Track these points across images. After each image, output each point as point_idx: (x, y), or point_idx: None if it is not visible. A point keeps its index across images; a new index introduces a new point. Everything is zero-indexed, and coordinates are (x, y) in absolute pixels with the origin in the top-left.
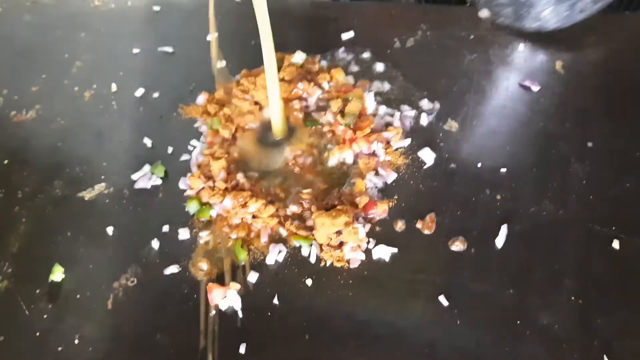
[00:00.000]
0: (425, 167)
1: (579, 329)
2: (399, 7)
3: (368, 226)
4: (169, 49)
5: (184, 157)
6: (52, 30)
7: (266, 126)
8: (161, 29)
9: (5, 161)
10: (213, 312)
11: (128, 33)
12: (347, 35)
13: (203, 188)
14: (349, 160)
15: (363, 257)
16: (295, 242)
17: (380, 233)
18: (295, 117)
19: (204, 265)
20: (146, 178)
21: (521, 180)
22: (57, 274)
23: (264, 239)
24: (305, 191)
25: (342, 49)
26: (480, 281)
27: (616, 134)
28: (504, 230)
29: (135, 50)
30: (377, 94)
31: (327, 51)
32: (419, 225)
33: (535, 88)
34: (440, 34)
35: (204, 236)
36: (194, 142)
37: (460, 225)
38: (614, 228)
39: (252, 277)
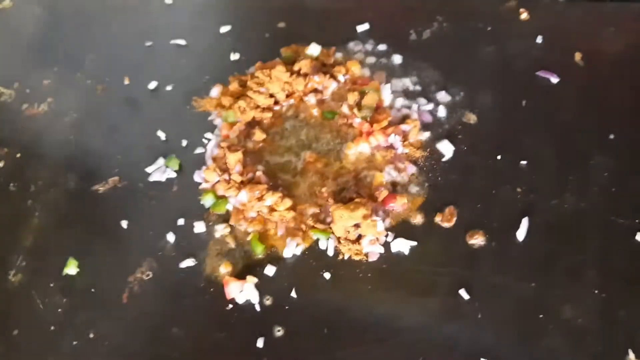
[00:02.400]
0: (443, 159)
1: (602, 321)
2: None
3: (387, 219)
4: (182, 42)
5: (199, 150)
6: (64, 23)
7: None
8: (174, 21)
9: (18, 154)
10: (230, 305)
11: (141, 26)
12: (362, 27)
13: (219, 181)
14: (366, 153)
15: (382, 250)
16: (313, 236)
17: (399, 226)
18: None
19: (220, 260)
20: (160, 171)
21: (541, 172)
22: (72, 268)
23: (280, 232)
24: (323, 189)
25: (357, 41)
26: (501, 274)
27: (638, 126)
28: (524, 223)
29: (148, 43)
30: (393, 86)
31: (343, 43)
32: (438, 218)
33: (555, 80)
34: (457, 26)
35: (220, 229)
36: (208, 135)
37: (480, 218)
38: (637, 220)
39: (270, 270)
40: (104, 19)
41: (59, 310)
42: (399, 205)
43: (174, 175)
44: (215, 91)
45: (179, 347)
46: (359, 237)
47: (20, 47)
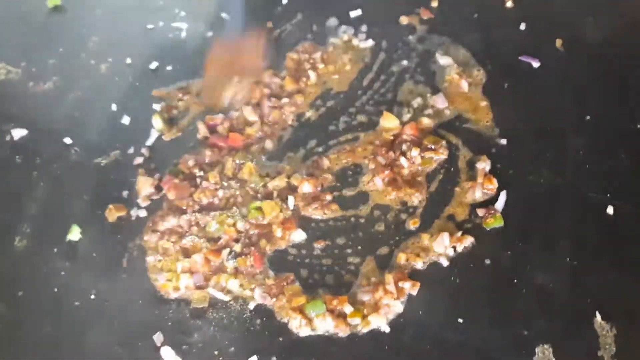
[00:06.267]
0: None
1: (572, 288)
2: None
3: None
4: (183, 25)
5: None
6: (69, 6)
7: None
8: (175, 5)
9: (24, 129)
10: None
11: (142, 9)
12: (355, 13)
13: None
14: None
15: None
16: None
17: None
18: None
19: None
20: None
21: (520, 150)
22: (74, 234)
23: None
24: None
25: (350, 26)
26: (479, 243)
27: (613, 109)
28: (503, 195)
29: (150, 26)
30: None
31: (335, 28)
32: None
33: (536, 64)
34: (447, 12)
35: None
36: None
37: None
38: (608, 195)
39: None
40: (106, 3)
41: (62, 273)
42: None
43: None
44: None
45: (177, 307)
46: None
47: (26, 28)
